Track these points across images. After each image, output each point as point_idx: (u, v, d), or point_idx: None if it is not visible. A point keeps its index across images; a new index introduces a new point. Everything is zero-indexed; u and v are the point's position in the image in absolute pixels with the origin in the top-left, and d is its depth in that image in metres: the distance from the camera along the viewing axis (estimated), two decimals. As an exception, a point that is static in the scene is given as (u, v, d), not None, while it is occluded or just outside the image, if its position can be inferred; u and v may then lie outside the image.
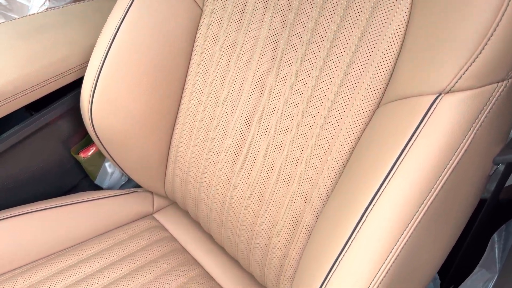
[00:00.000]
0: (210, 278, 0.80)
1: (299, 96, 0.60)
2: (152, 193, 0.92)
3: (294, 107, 0.61)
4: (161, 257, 0.81)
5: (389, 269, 0.42)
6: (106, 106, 0.73)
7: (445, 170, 0.43)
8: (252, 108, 0.67)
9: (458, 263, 0.81)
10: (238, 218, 0.71)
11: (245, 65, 0.66)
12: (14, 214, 0.76)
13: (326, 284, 0.45)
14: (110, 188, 0.92)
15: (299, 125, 0.61)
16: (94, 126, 0.76)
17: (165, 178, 0.86)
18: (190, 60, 0.74)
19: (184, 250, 0.84)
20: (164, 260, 0.80)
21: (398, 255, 0.43)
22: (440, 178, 0.43)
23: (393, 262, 0.43)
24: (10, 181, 0.80)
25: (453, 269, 0.82)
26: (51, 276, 0.73)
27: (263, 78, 0.65)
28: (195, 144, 0.76)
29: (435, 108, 0.43)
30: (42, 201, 0.80)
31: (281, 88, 0.63)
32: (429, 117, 0.43)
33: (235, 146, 0.69)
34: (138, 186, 0.92)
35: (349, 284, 0.43)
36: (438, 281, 0.82)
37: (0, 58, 0.72)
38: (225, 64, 0.69)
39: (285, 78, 0.62)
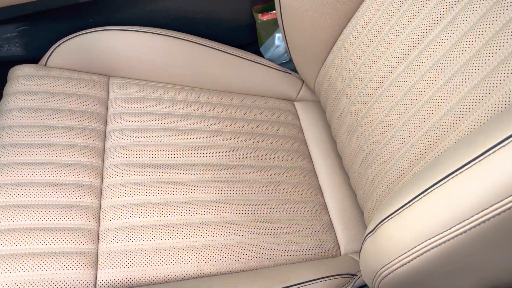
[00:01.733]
0: (315, 176, 0.81)
1: (465, 48, 0.53)
2: (303, 82, 0.93)
3: (456, 56, 0.55)
4: (280, 136, 0.84)
5: (462, 234, 0.39)
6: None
7: None
8: (412, 46, 0.62)
9: None
10: (366, 131, 0.68)
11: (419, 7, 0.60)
12: (172, 35, 0.84)
13: (402, 211, 0.44)
14: (270, 60, 0.95)
15: (459, 70, 0.54)
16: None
17: (319, 71, 0.85)
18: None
19: (304, 143, 0.86)
20: (281, 139, 0.83)
21: (474, 228, 0.39)
22: None
23: (467, 231, 0.39)
24: (181, 12, 0.87)
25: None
26: (172, 103, 0.81)
27: (435, 19, 0.59)
28: (353, 52, 0.72)
29: None
30: (203, 38, 0.86)
31: (450, 35, 0.56)
32: None
33: (386, 69, 0.65)
34: (294, 71, 0.93)
35: (422, 223, 0.41)
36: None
37: None
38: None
39: (456, 29, 0.56)
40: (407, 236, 0.43)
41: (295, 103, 0.93)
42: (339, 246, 0.73)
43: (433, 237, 0.41)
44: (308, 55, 0.84)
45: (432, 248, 0.41)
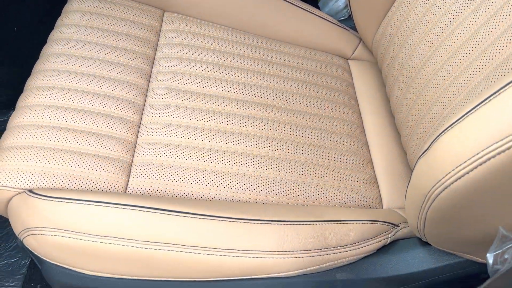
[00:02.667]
0: (363, 131, 0.76)
1: None
2: (359, 40, 0.89)
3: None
4: (331, 88, 0.80)
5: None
6: None
7: None
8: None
9: None
10: (420, 86, 0.64)
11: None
12: None
13: (460, 121, 0.40)
14: (329, 15, 0.91)
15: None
16: None
17: (378, 26, 0.80)
18: None
19: (354, 99, 0.81)
20: (331, 91, 0.79)
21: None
22: None
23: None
24: None
25: None
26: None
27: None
28: (414, 6, 0.69)
29: None
30: None
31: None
32: None
33: (443, 23, 0.62)
34: (352, 29, 0.89)
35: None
36: None
37: None
38: None
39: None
40: (466, 145, 0.38)
41: (349, 61, 0.89)
42: (381, 200, 0.68)
43: (494, 143, 0.36)
44: (369, 8, 0.80)
45: (491, 157, 0.36)
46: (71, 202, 0.50)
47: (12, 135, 0.59)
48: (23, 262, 0.80)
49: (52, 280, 0.55)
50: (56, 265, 0.54)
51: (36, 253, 0.54)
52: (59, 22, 0.76)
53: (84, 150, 0.60)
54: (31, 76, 0.69)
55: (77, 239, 0.49)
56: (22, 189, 0.54)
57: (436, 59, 0.62)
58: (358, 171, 0.70)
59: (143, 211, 0.50)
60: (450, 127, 0.41)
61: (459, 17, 0.60)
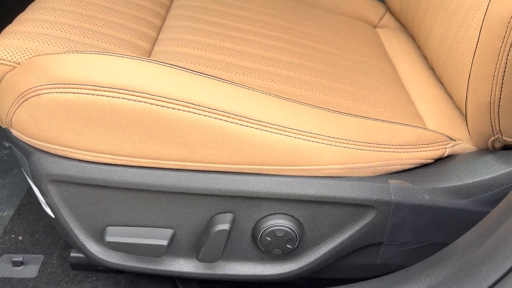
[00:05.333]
0: (399, 80, 0.69)
1: None
2: (386, 10, 0.86)
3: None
4: (359, 41, 0.75)
5: None
6: None
7: None
8: None
9: None
10: (456, 26, 0.59)
11: None
12: None
13: None
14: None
15: None
16: None
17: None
18: None
19: (387, 57, 0.76)
20: (360, 43, 0.74)
21: None
22: None
23: None
24: None
25: None
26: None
27: None
28: None
29: None
30: None
31: None
32: None
33: None
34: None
35: None
36: None
37: None
38: None
39: None
40: None
41: (376, 29, 0.85)
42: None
43: None
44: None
45: None
46: (75, 53, 0.42)
47: (18, 24, 0.53)
48: (6, 213, 0.69)
49: (42, 176, 0.45)
50: (48, 153, 0.44)
51: (24, 138, 0.44)
52: None
53: (96, 44, 0.52)
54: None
55: (78, 93, 0.40)
56: (19, 63, 0.46)
57: None
58: (398, 106, 0.62)
59: (169, 66, 0.42)
60: None
61: None
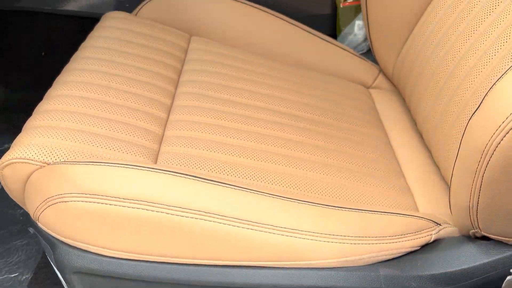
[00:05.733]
0: (390, 148, 0.75)
1: None
2: (380, 71, 0.91)
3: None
4: (353, 107, 0.80)
5: None
6: None
7: None
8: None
9: None
10: (449, 95, 0.64)
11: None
12: (261, 9, 0.87)
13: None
14: (347, 48, 0.95)
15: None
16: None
17: (399, 54, 0.83)
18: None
19: (379, 119, 0.81)
20: (354, 110, 0.79)
21: None
22: None
23: None
24: None
25: None
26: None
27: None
28: (434, 26, 0.72)
29: None
30: (284, 16, 0.88)
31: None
32: None
33: (469, 29, 0.64)
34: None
35: None
36: None
37: None
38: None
39: None
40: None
41: (370, 90, 0.90)
42: (417, 208, 0.64)
43: None
44: (389, 37, 0.83)
45: None
46: (99, 164, 0.47)
47: (38, 118, 0.58)
48: (24, 277, 0.73)
49: (66, 267, 0.50)
50: (72, 246, 0.49)
51: (50, 233, 0.49)
52: (83, 44, 0.77)
53: (112, 135, 0.57)
54: (52, 86, 0.67)
55: (102, 203, 0.45)
56: (45, 163, 0.51)
57: (463, 66, 0.63)
58: (389, 180, 0.67)
59: (179, 176, 0.47)
60: (502, 76, 0.40)
61: (483, 23, 0.62)
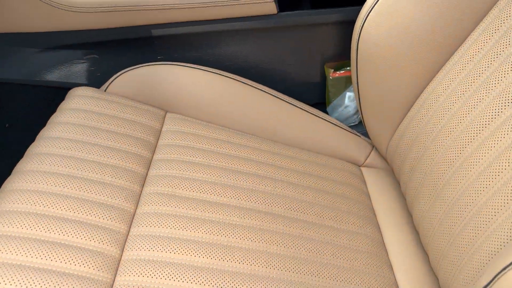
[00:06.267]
0: (384, 249, 0.67)
1: None
2: (372, 147, 0.84)
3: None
4: (344, 196, 0.72)
5: None
6: (379, 21, 0.68)
7: None
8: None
9: None
10: (453, 198, 0.56)
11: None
12: (239, 80, 0.79)
13: None
14: (338, 120, 0.87)
15: None
16: (360, 37, 0.71)
17: (393, 134, 0.76)
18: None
19: (371, 210, 0.73)
20: (345, 200, 0.71)
21: None
22: None
23: None
24: (249, 60, 0.83)
25: None
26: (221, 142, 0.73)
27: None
28: (435, 111, 0.64)
29: None
30: (268, 88, 0.81)
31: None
32: None
33: (473, 129, 0.56)
34: (364, 135, 0.84)
35: None
36: None
37: None
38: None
39: None
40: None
41: (362, 168, 0.82)
42: None
43: None
44: (382, 115, 0.76)
45: None
46: None
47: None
48: None
49: None
50: None
51: None
52: (51, 119, 0.71)
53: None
54: (10, 176, 0.62)
55: None
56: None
57: (471, 166, 0.55)
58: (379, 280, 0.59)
59: None
60: None
61: (499, 117, 0.54)
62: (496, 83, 0.56)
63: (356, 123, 0.88)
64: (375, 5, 0.68)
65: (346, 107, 0.85)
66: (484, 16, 0.63)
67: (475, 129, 0.56)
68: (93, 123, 0.69)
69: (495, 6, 0.62)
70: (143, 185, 0.64)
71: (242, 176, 0.69)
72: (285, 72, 0.88)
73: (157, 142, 0.72)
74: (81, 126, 0.68)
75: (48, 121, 0.70)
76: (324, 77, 0.88)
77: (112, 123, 0.71)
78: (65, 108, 0.72)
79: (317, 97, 0.92)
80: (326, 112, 0.90)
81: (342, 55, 0.85)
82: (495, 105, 0.54)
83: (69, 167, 0.62)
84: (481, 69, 0.59)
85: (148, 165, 0.67)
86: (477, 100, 0.57)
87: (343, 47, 0.84)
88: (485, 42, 0.60)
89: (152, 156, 0.69)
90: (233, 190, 0.66)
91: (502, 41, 0.57)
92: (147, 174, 0.66)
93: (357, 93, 0.77)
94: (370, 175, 0.81)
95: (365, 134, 0.84)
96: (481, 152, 0.54)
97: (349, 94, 0.85)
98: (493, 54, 0.58)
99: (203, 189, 0.65)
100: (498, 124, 0.53)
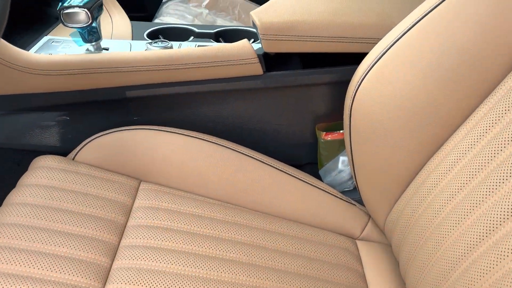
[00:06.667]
0: None
1: None
2: (369, 217, 0.76)
3: None
4: (336, 284, 0.64)
5: None
6: (374, 90, 0.62)
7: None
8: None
9: None
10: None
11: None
12: (221, 143, 0.73)
13: None
14: (330, 186, 0.80)
15: None
16: (353, 105, 0.65)
17: (392, 208, 0.68)
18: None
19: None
20: (336, 285, 0.63)
21: None
22: None
23: None
24: (234, 121, 0.77)
25: None
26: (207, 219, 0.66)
27: None
28: (436, 195, 0.57)
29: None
30: (254, 151, 0.74)
31: None
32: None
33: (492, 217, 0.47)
34: (359, 202, 0.77)
35: None
36: None
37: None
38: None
39: None
40: None
41: (357, 242, 0.74)
42: None
43: None
44: (378, 187, 0.68)
45: None
46: None
47: None
48: None
49: None
50: None
51: None
52: (7, 199, 0.64)
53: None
54: None
55: None
56: None
57: (485, 264, 0.46)
58: None
59: None
60: None
61: (501, 188, 0.47)
62: None
63: (351, 188, 0.81)
64: (369, 72, 0.62)
65: (340, 171, 0.78)
66: (493, 89, 0.56)
67: (490, 222, 0.48)
68: (54, 203, 0.62)
69: (507, 77, 0.55)
70: (105, 282, 0.56)
71: (223, 265, 0.61)
72: (274, 132, 0.82)
73: (127, 222, 0.65)
74: (38, 208, 0.61)
75: (5, 201, 0.63)
76: (315, 137, 0.81)
77: (76, 201, 0.63)
78: (24, 184, 0.65)
79: (309, 157, 0.85)
80: (318, 175, 0.83)
81: (334, 115, 0.78)
82: None
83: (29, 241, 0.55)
84: (494, 150, 0.51)
85: (114, 254, 0.60)
86: (489, 189, 0.49)
87: (334, 107, 0.77)
88: (499, 117, 0.52)
89: (120, 241, 0.62)
90: (212, 284, 0.58)
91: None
92: (111, 266, 0.58)
93: (351, 160, 0.69)
94: (367, 251, 0.73)
95: (361, 200, 0.76)
96: (496, 250, 0.46)
97: (342, 159, 0.78)
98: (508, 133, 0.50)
99: (172, 259, 0.57)
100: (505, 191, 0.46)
